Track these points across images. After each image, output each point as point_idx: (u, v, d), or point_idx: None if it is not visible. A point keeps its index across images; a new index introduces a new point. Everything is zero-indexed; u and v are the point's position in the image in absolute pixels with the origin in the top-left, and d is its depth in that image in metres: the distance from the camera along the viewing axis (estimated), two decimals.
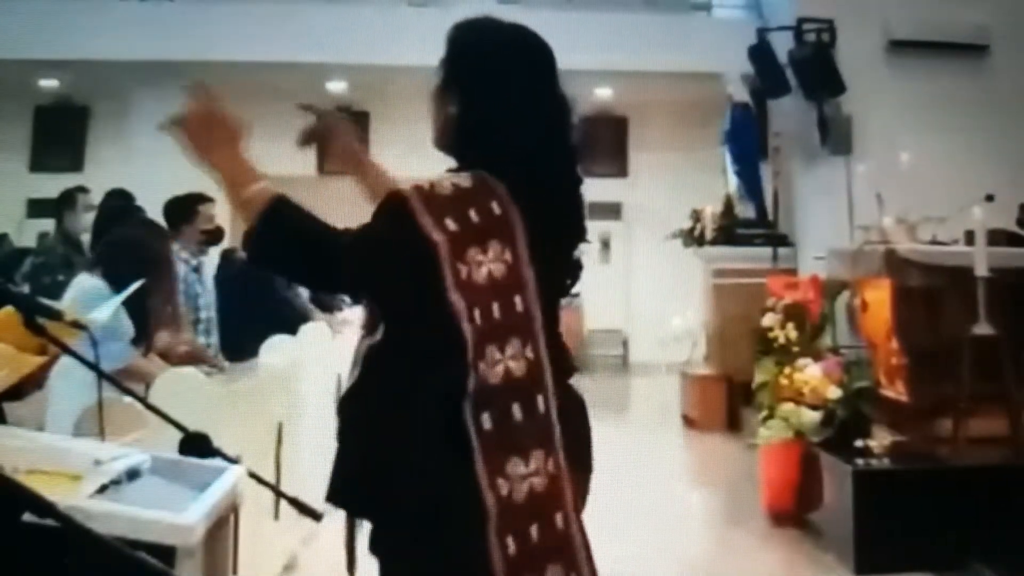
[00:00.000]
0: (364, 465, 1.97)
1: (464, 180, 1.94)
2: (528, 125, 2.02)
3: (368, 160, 2.37)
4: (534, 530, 1.90)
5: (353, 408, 2.03)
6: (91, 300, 3.60)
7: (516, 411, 1.90)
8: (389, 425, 1.94)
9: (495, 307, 1.90)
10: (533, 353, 1.93)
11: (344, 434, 2.02)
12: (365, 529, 2.04)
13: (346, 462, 2.01)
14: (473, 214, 1.89)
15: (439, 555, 1.90)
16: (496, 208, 1.91)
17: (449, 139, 2.08)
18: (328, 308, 7.59)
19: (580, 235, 2.14)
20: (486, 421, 1.88)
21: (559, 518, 1.93)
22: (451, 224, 1.87)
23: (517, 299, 1.92)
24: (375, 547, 2.00)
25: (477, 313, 1.88)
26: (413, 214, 1.87)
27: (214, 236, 5.51)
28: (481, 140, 2.02)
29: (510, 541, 1.87)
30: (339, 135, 2.40)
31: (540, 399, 1.93)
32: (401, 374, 1.94)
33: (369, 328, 2.02)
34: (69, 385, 3.61)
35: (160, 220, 5.56)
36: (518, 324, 1.92)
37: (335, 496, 2.02)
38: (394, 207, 1.91)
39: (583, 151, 2.12)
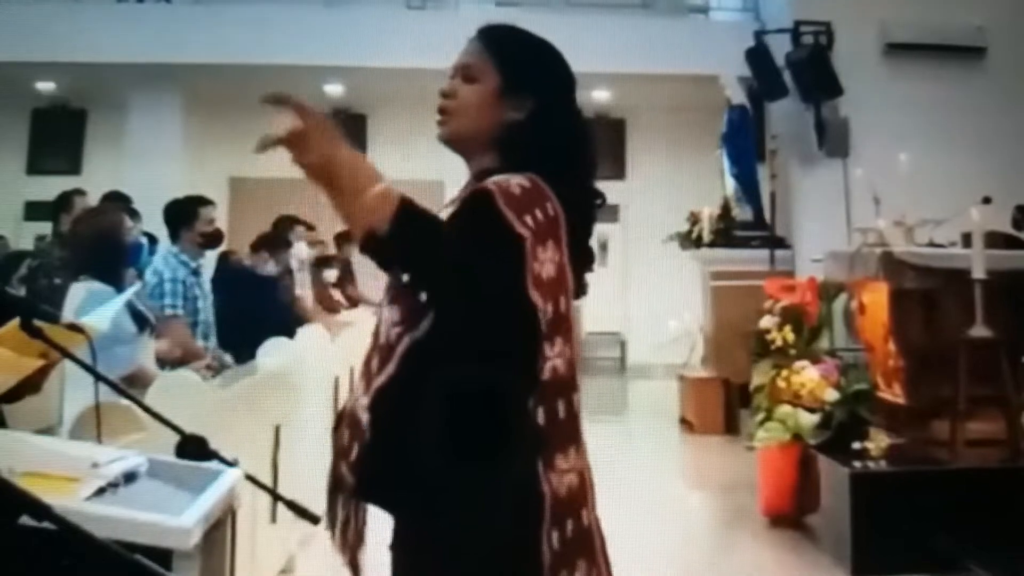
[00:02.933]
0: (405, 458, 1.94)
1: (524, 180, 1.96)
2: (573, 132, 2.11)
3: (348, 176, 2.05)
4: (569, 525, 1.96)
5: (393, 403, 1.98)
6: (91, 304, 3.60)
7: (560, 408, 1.97)
8: (438, 419, 1.91)
9: (551, 305, 1.96)
10: (571, 352, 2.00)
11: (381, 429, 1.98)
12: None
13: (382, 456, 1.97)
14: (539, 213, 1.94)
15: (494, 547, 1.91)
16: (551, 209, 1.96)
17: (492, 141, 2.08)
18: (332, 309, 7.60)
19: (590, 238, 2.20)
20: (540, 416, 1.94)
21: (584, 514, 1.99)
22: (529, 221, 1.92)
23: (562, 299, 1.98)
24: (405, 542, 2.00)
25: (545, 310, 1.94)
26: (501, 209, 1.90)
27: (213, 239, 5.51)
28: (535, 144, 2.04)
29: (555, 536, 1.93)
30: (319, 144, 2.10)
31: (575, 397, 2.00)
32: (456, 368, 1.91)
33: (409, 323, 2.00)
34: (76, 386, 3.61)
35: (160, 223, 5.60)
36: (562, 323, 1.98)
37: (368, 490, 2.01)
38: (482, 203, 1.92)
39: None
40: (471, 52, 2.13)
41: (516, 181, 1.95)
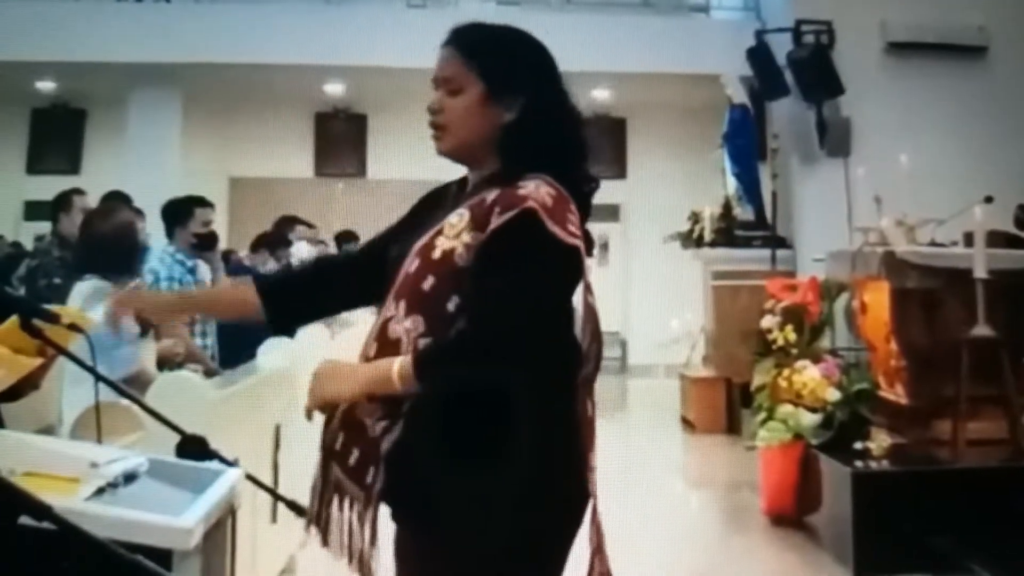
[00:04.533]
0: (446, 472, 1.90)
1: (550, 188, 1.96)
2: (568, 127, 2.10)
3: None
4: (599, 521, 2.02)
5: (428, 417, 1.92)
6: (95, 302, 3.59)
7: (589, 407, 2.02)
8: (483, 429, 1.89)
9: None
10: (598, 350, 2.04)
11: (414, 442, 1.93)
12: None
13: (419, 470, 1.92)
14: (571, 216, 1.97)
15: (545, 544, 1.96)
16: (574, 208, 1.99)
17: (492, 146, 2.06)
18: None
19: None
20: (586, 411, 2.01)
21: (597, 513, 2.03)
22: (572, 228, 1.95)
23: (591, 299, 2.02)
24: (422, 552, 1.97)
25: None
26: (545, 224, 1.91)
27: (206, 240, 5.45)
28: (535, 144, 2.03)
29: (593, 532, 2.01)
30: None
31: (592, 397, 2.05)
32: (500, 378, 1.88)
33: (437, 333, 1.94)
34: (75, 386, 3.60)
35: (159, 222, 5.58)
36: (590, 322, 2.02)
37: (396, 502, 1.97)
38: (530, 221, 1.91)
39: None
40: (447, 61, 2.09)
41: (544, 191, 1.95)
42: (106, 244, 4.38)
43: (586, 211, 2.07)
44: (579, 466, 1.97)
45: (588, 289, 2.00)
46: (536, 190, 1.94)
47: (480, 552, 1.91)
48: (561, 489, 1.96)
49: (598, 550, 2.03)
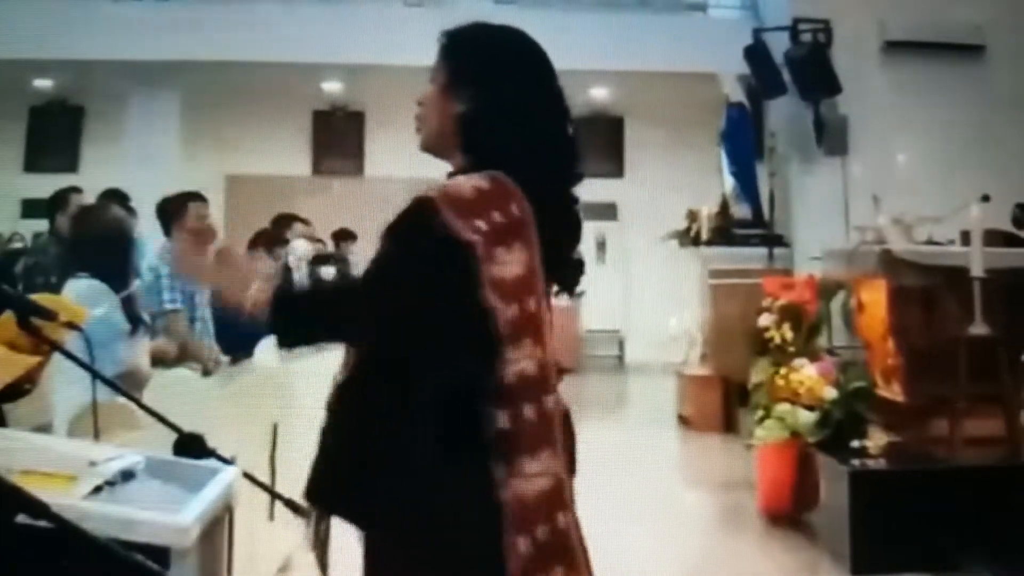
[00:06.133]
0: (360, 467, 1.94)
1: (482, 182, 1.93)
2: (536, 123, 2.03)
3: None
4: (541, 530, 1.91)
5: (346, 407, 2.00)
6: (88, 301, 3.59)
7: (529, 411, 1.91)
8: (392, 425, 1.92)
9: (515, 307, 1.91)
10: (542, 353, 1.94)
11: (333, 434, 1.99)
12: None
13: (335, 463, 1.98)
14: (497, 215, 1.90)
15: (454, 557, 1.88)
16: (515, 209, 1.92)
17: (452, 139, 2.06)
18: None
19: (579, 234, 2.14)
20: (503, 420, 1.89)
21: (561, 518, 1.94)
22: (481, 224, 1.88)
23: (531, 300, 1.93)
24: (371, 552, 1.97)
25: (505, 313, 1.89)
26: (444, 217, 1.87)
27: (203, 235, 5.44)
28: (490, 138, 2.01)
29: (522, 541, 1.88)
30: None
31: (548, 399, 1.95)
32: (409, 373, 1.92)
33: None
34: (69, 384, 3.60)
35: (155, 220, 5.57)
36: (531, 325, 1.93)
37: (318, 496, 2.01)
38: (423, 212, 1.90)
39: (580, 151, 2.13)
40: (436, 55, 2.12)
41: (473, 183, 1.93)
42: (96, 242, 4.36)
43: (563, 221, 2.03)
44: (483, 475, 1.88)
45: (532, 292, 1.93)
46: (462, 182, 1.93)
47: (397, 561, 1.93)
48: (454, 498, 1.88)
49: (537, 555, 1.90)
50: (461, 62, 2.08)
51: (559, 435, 1.96)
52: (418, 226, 1.90)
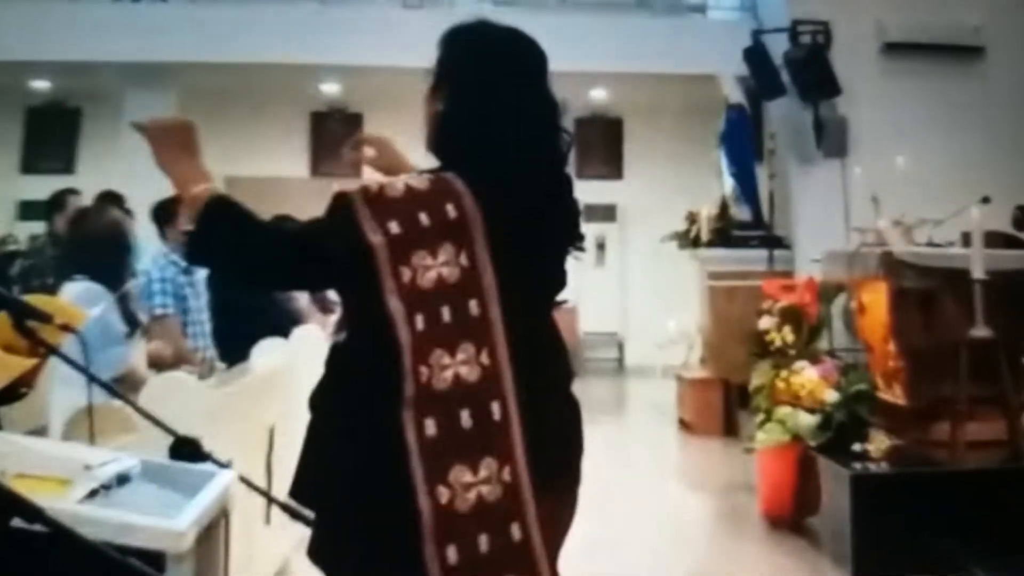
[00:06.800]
0: (315, 466, 1.99)
1: (420, 182, 1.91)
2: (509, 126, 1.99)
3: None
4: (483, 540, 1.85)
5: (312, 407, 2.04)
6: (84, 303, 3.58)
7: (465, 417, 1.85)
8: (334, 427, 1.95)
9: (444, 311, 1.85)
10: (489, 359, 1.88)
11: (307, 433, 2.04)
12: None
13: (303, 461, 2.04)
14: (424, 217, 1.86)
15: (374, 561, 1.87)
16: (452, 211, 1.87)
17: (431, 136, 2.07)
18: (326, 310, 7.56)
19: (569, 238, 2.11)
20: (429, 426, 1.83)
21: (515, 528, 1.87)
22: (394, 227, 1.84)
23: (472, 303, 1.88)
24: (312, 550, 1.98)
25: (420, 318, 1.84)
26: (355, 215, 1.85)
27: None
28: (463, 137, 2.00)
29: (451, 551, 1.82)
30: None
31: (496, 405, 1.88)
32: (348, 376, 1.95)
33: (339, 327, 2.06)
34: (64, 386, 3.58)
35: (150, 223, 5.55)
36: (472, 329, 1.87)
37: (296, 492, 2.05)
38: (338, 207, 1.88)
39: (572, 153, 2.11)
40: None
41: (408, 182, 1.90)
42: (94, 245, 4.36)
43: (536, 224, 1.98)
44: (398, 482, 1.83)
45: (472, 295, 1.87)
46: (397, 181, 1.91)
47: (329, 559, 1.96)
48: (371, 503, 1.87)
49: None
50: (445, 62, 2.08)
51: (518, 442, 1.88)
52: (332, 219, 1.90)
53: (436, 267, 1.85)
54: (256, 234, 1.94)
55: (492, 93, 2.01)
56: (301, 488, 2.02)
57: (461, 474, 1.83)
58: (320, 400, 2.01)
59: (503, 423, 1.87)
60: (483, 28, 2.11)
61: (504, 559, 1.86)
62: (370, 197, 1.86)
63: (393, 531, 1.84)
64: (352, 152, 2.48)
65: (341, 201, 1.88)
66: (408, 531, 1.81)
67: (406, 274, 1.83)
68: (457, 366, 1.85)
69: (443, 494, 1.82)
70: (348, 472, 1.89)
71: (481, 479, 1.84)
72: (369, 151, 2.50)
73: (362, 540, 1.88)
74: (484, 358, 1.87)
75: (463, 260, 1.86)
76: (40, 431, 3.69)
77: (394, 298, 1.83)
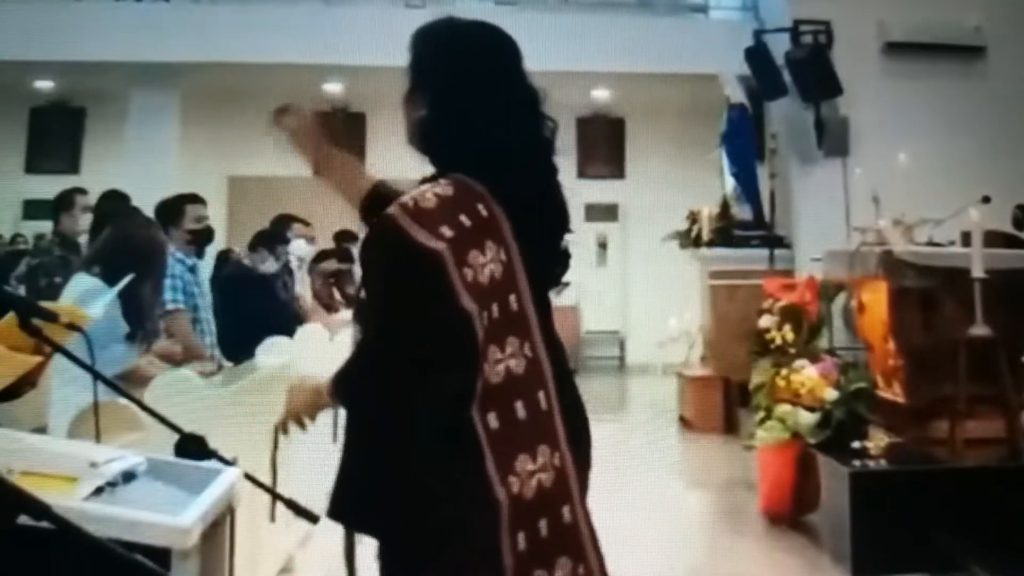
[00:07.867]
0: (369, 484, 1.97)
1: (443, 188, 1.94)
2: (494, 121, 2.02)
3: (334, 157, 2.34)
4: (543, 525, 1.92)
5: (351, 424, 2.04)
6: (91, 298, 3.59)
7: (520, 408, 1.92)
8: (392, 440, 1.94)
9: (495, 307, 1.91)
10: (531, 351, 1.94)
11: (346, 453, 2.03)
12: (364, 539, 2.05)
13: (349, 482, 2.01)
14: (464, 219, 1.90)
15: (453, 559, 1.90)
16: (483, 210, 1.92)
17: (419, 142, 2.08)
18: (330, 308, 7.58)
19: (563, 225, 2.13)
20: (492, 420, 1.89)
21: (567, 511, 1.95)
22: (447, 231, 1.88)
23: (512, 298, 1.93)
24: (384, 559, 1.99)
25: (485, 315, 1.89)
26: (405, 231, 1.87)
27: (201, 236, 5.44)
28: (450, 140, 2.02)
29: (521, 538, 1.89)
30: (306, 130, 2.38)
31: (542, 395, 1.95)
32: (406, 378, 1.93)
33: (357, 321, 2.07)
34: (65, 385, 3.60)
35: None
36: (515, 322, 1.93)
37: (338, 514, 2.02)
38: (384, 232, 1.92)
39: (555, 142, 2.12)
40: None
41: (435, 191, 1.93)
42: (138, 256, 4.30)
43: (533, 216, 2.01)
44: (475, 476, 1.88)
45: (513, 291, 1.93)
46: (423, 192, 1.93)
47: (400, 565, 1.97)
48: (446, 503, 1.89)
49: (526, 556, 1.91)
50: (419, 66, 2.10)
51: (561, 429, 1.96)
52: (382, 247, 1.93)
53: (488, 264, 1.90)
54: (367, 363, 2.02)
55: (471, 92, 2.03)
56: (354, 498, 1.99)
57: (524, 463, 1.91)
58: (363, 402, 2.01)
59: (549, 411, 1.95)
60: (452, 26, 2.12)
61: (559, 542, 1.94)
62: (411, 211, 1.90)
63: (473, 527, 1.88)
64: (279, 116, 2.46)
65: (385, 222, 1.91)
66: (486, 524, 1.87)
67: (469, 274, 1.88)
68: (507, 360, 1.91)
69: (513, 483, 1.89)
70: (421, 480, 1.90)
71: (539, 466, 1.92)
72: (291, 122, 2.49)
73: (442, 541, 1.90)
74: (527, 350, 1.94)
75: (502, 256, 1.92)
76: (44, 429, 3.70)
77: (466, 298, 1.87)
